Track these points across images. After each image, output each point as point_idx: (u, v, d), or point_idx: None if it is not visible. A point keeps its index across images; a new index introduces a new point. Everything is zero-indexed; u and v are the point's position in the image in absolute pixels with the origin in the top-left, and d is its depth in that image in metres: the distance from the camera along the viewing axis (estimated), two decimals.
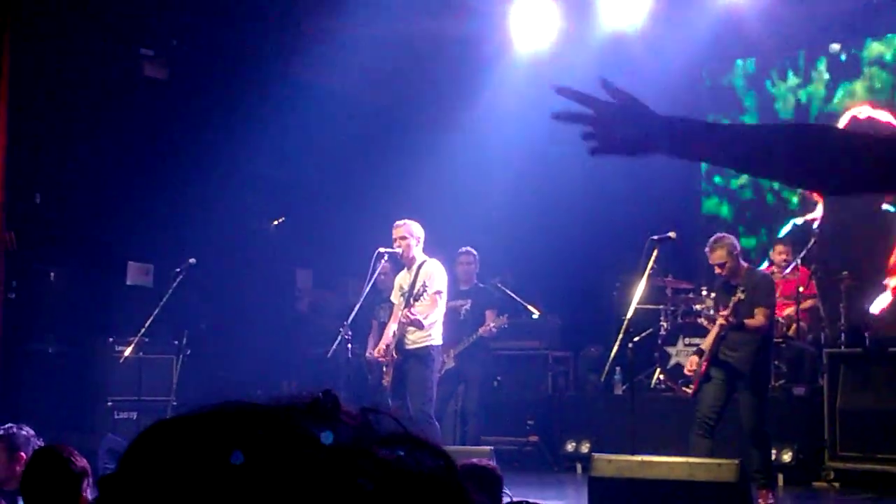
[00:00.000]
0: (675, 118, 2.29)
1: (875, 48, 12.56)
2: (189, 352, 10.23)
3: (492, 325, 9.77)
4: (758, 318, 7.97)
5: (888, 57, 12.47)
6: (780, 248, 11.25)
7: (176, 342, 10.21)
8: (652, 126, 2.28)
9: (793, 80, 13.12)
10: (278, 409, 0.86)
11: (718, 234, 8.25)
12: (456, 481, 0.88)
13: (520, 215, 12.95)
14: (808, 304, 10.74)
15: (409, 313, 8.50)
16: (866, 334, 9.96)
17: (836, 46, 12.76)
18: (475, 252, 10.14)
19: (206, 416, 0.86)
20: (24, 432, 5.21)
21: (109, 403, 10.16)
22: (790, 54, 13.13)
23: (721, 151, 2.28)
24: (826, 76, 12.85)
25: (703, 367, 8.03)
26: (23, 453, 5.01)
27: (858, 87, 12.58)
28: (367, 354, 9.84)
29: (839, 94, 12.72)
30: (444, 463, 0.88)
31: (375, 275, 9.23)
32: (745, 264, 8.26)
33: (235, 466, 0.81)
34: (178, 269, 9.78)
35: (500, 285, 11.53)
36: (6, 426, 5.26)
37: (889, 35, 12.44)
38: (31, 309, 10.40)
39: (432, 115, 13.09)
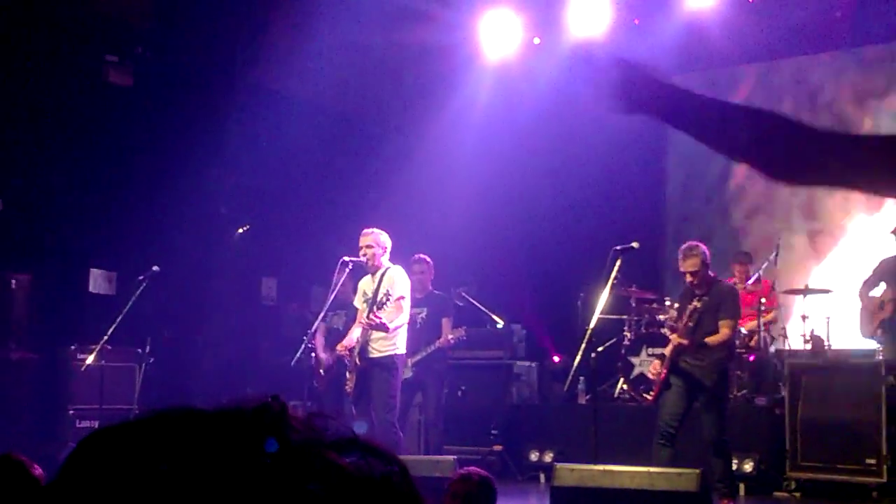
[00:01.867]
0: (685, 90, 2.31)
1: None
2: (152, 360, 10.17)
3: (450, 336, 9.80)
4: (722, 332, 8.03)
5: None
6: (744, 257, 11.36)
7: (139, 350, 10.14)
8: (650, 88, 2.30)
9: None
10: (224, 414, 0.85)
11: (692, 242, 8.29)
12: (410, 486, 0.87)
13: (485, 224, 12.99)
14: (769, 315, 10.83)
15: (373, 317, 8.48)
16: (827, 346, 10.06)
17: None
18: (429, 259, 10.15)
19: (148, 423, 0.85)
20: None
21: (71, 412, 10.08)
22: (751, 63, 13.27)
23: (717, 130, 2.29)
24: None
25: (663, 374, 8.07)
26: None
27: None
28: (320, 355, 9.85)
29: None
30: (397, 468, 0.87)
31: (339, 283, 9.21)
32: (712, 274, 8.32)
33: (174, 474, 0.80)
34: (141, 277, 9.71)
35: (464, 294, 11.56)
36: None
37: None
38: None
39: (399, 123, 13.12)
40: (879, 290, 10.33)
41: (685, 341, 7.98)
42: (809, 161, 2.19)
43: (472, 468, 5.09)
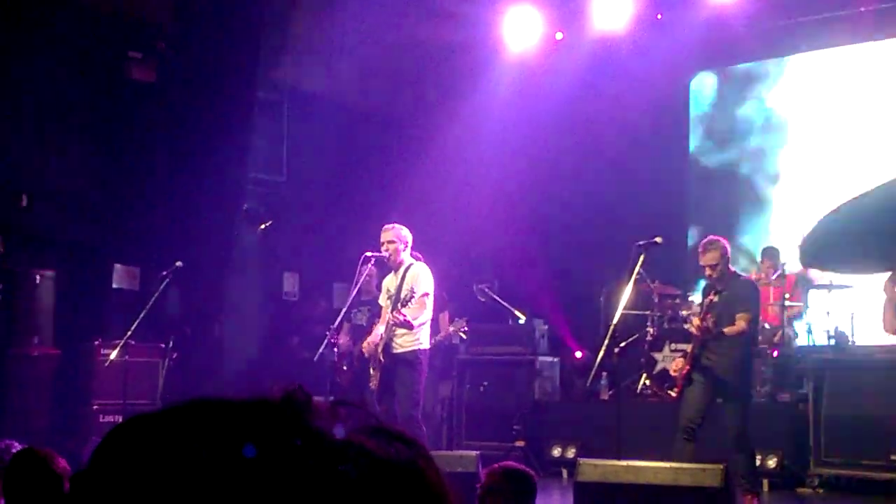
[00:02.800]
0: None
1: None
2: (175, 355, 10.19)
3: (450, 329, 9.74)
4: (738, 325, 7.98)
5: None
6: (769, 252, 11.32)
7: (162, 345, 10.17)
8: None
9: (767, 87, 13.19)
10: (253, 403, 0.88)
11: (712, 237, 8.27)
12: (435, 470, 0.90)
13: (507, 219, 12.96)
14: (793, 311, 10.77)
15: (397, 315, 8.48)
16: (851, 341, 9.99)
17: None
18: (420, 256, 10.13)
19: (179, 412, 0.87)
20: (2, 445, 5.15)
21: (95, 407, 10.12)
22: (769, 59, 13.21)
23: None
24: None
25: (685, 371, 8.04)
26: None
27: None
28: (343, 350, 9.85)
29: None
30: (422, 452, 0.90)
31: (361, 279, 9.21)
32: (732, 269, 8.28)
33: (210, 458, 0.81)
34: (164, 273, 9.73)
35: (486, 290, 11.54)
36: None
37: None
38: (17, 312, 10.35)
39: (421, 120, 13.09)
40: None
41: (698, 332, 7.94)
42: None
43: (508, 462, 5.07)
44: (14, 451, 5.11)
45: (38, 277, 10.15)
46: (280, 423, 0.85)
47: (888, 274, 10.20)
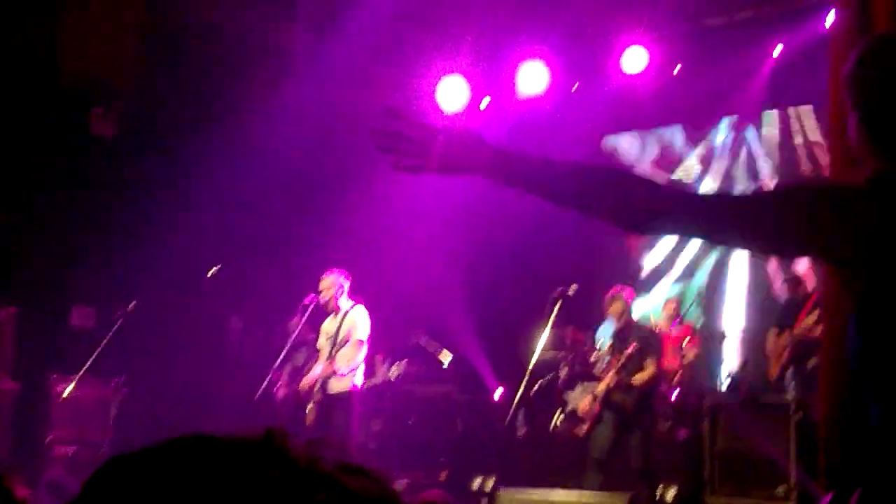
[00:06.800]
0: (507, 150, 2.18)
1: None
2: (126, 391, 10.15)
3: (392, 372, 9.76)
4: (648, 371, 8.24)
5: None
6: (670, 304, 11.58)
7: (114, 381, 10.12)
8: (478, 152, 2.19)
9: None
10: (234, 440, 0.88)
11: (616, 290, 8.51)
12: (398, 502, 0.93)
13: (438, 270, 13.10)
14: (690, 356, 11.04)
15: (330, 365, 8.63)
16: (741, 385, 10.28)
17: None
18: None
19: (165, 449, 0.86)
20: None
21: (50, 438, 10.02)
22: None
23: (550, 189, 2.21)
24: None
25: (597, 410, 8.25)
26: None
27: None
28: (280, 390, 9.94)
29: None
30: (388, 486, 0.93)
31: (302, 322, 9.31)
32: (634, 319, 8.52)
33: (196, 493, 0.82)
34: (118, 313, 9.74)
35: (421, 344, 11.67)
36: None
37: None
38: None
39: (360, 176, 13.22)
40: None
41: (616, 381, 8.16)
42: (652, 210, 2.13)
43: (435, 490, 5.16)
44: None
45: (1, 314, 10.06)
46: (261, 459, 0.86)
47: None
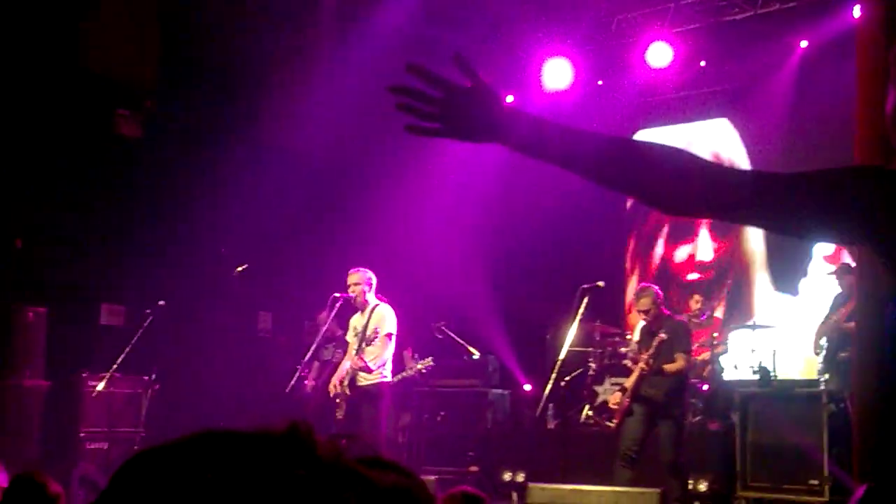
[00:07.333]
0: (530, 115, 2.03)
1: None
2: (157, 387, 10.16)
3: (419, 367, 9.68)
4: (678, 363, 8.14)
5: None
6: (696, 296, 11.47)
7: (145, 378, 10.14)
8: (500, 116, 2.02)
9: None
10: (259, 435, 0.85)
11: (644, 284, 8.46)
12: (428, 496, 0.90)
13: (466, 266, 13.06)
14: (720, 348, 10.93)
15: (359, 360, 8.60)
16: (773, 376, 10.15)
17: None
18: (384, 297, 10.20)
19: (189, 443, 0.85)
20: None
21: (82, 434, 10.04)
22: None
23: (573, 157, 2.02)
24: None
25: (626, 403, 8.17)
26: None
27: None
28: (309, 384, 9.93)
29: None
30: (416, 481, 0.89)
31: (331, 317, 9.28)
32: (666, 312, 8.43)
33: (219, 487, 0.80)
34: (148, 311, 9.76)
35: (444, 328, 11.62)
36: None
37: None
38: (10, 346, 10.28)
39: (385, 173, 13.20)
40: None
41: (653, 362, 8.08)
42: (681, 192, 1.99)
43: (465, 486, 5.09)
44: None
45: (31, 314, 10.10)
46: (286, 454, 0.83)
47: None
